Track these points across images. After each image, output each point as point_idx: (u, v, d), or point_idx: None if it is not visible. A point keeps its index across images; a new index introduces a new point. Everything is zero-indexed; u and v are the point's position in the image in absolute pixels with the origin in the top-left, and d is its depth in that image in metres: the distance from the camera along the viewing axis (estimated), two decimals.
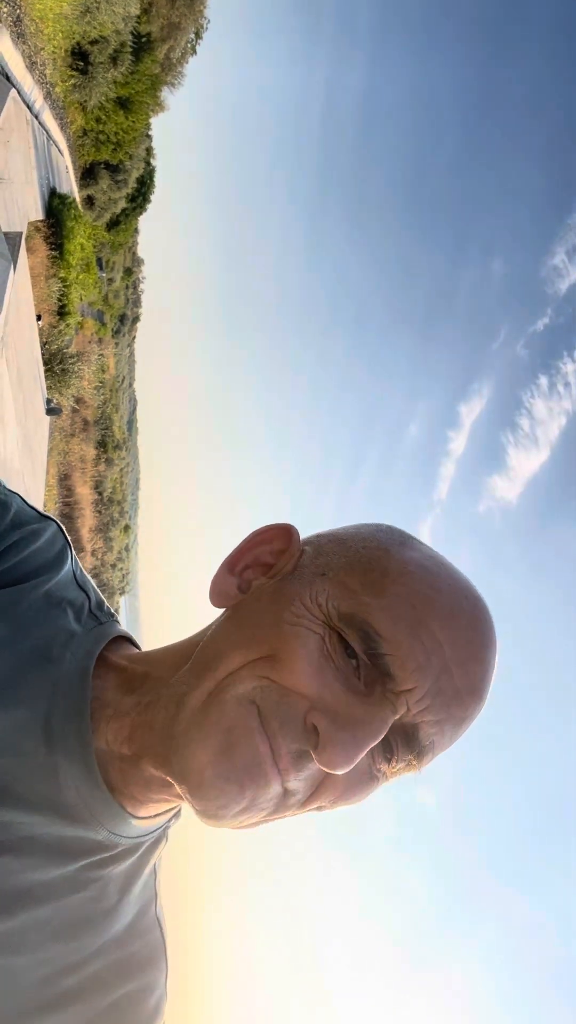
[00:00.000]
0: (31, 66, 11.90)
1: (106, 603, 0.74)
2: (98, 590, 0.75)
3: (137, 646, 0.73)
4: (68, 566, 0.73)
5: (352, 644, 0.58)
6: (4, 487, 0.73)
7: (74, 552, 0.75)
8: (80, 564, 0.76)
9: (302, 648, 0.58)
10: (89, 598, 0.72)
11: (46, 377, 13.58)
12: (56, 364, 14.36)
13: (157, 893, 0.71)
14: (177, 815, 0.72)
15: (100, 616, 0.71)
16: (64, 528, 0.76)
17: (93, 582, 0.76)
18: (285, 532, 0.67)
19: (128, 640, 0.72)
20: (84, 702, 0.63)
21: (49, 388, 14.15)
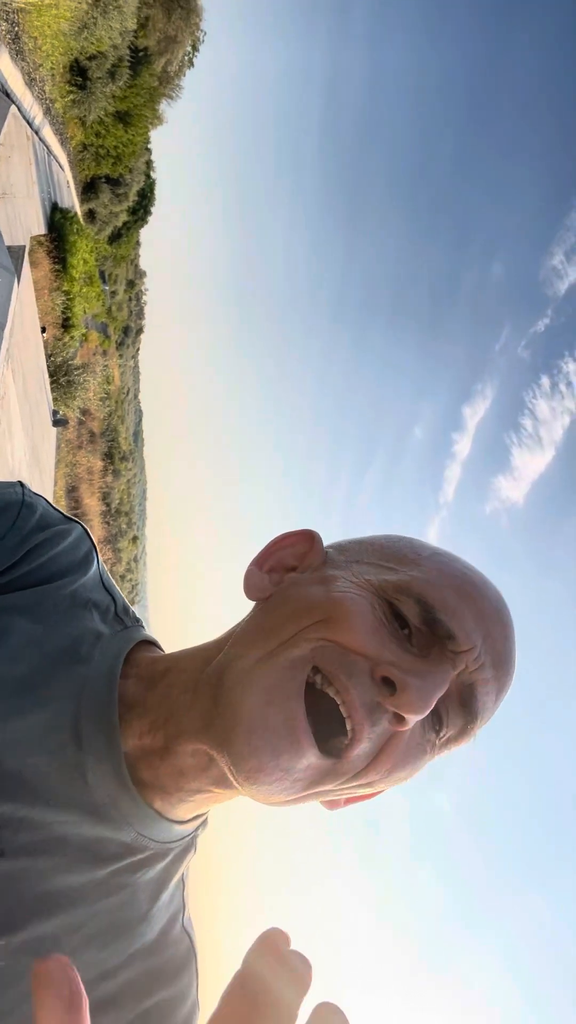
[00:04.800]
0: (30, 82, 12.02)
1: (132, 608, 0.74)
2: (123, 595, 0.75)
3: (162, 650, 0.73)
4: (94, 568, 0.73)
5: (406, 613, 0.60)
6: (30, 490, 0.73)
7: (100, 556, 0.76)
8: (106, 568, 0.76)
9: (356, 610, 0.59)
10: (115, 601, 0.73)
11: (52, 389, 13.67)
12: (61, 376, 14.46)
13: (185, 904, 0.71)
14: (204, 824, 0.71)
15: (126, 620, 0.72)
16: (90, 532, 0.76)
17: (118, 587, 0.76)
18: (307, 536, 0.70)
19: (153, 645, 0.73)
20: (112, 702, 0.63)
21: (55, 400, 14.24)
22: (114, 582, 0.75)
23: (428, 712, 0.56)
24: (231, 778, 0.58)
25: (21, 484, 0.73)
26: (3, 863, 0.57)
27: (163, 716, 0.63)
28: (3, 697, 0.61)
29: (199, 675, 0.63)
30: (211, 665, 0.63)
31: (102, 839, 0.61)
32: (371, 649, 0.58)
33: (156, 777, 0.63)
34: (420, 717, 0.56)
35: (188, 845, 0.70)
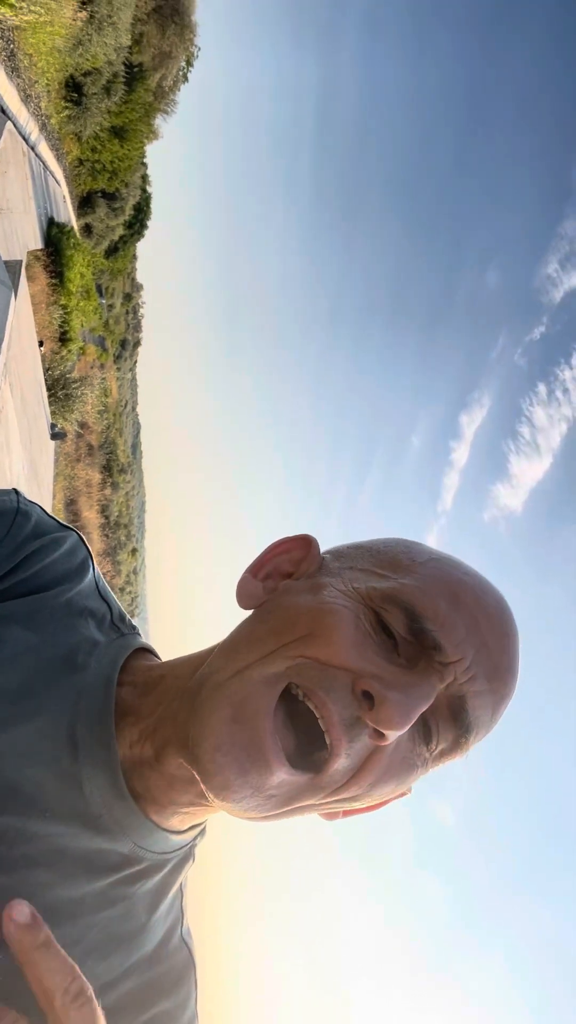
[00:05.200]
0: (26, 99, 12.11)
1: (128, 616, 0.73)
2: (120, 603, 0.75)
3: (159, 658, 0.73)
4: (90, 576, 0.72)
5: (392, 623, 0.58)
6: (25, 498, 0.73)
7: (96, 564, 0.75)
8: (103, 576, 0.76)
9: (339, 622, 0.58)
10: (111, 609, 0.72)
11: (50, 402, 13.69)
12: (59, 389, 14.49)
13: (184, 913, 0.70)
14: (203, 832, 0.70)
15: (122, 628, 0.71)
16: (85, 540, 0.76)
17: (114, 595, 0.76)
18: (304, 542, 0.69)
19: (150, 652, 0.72)
20: (108, 710, 0.62)
21: (53, 413, 14.26)
22: (110, 590, 0.75)
23: (408, 727, 0.54)
24: (205, 793, 0.57)
25: (16, 492, 0.73)
26: None
27: (152, 725, 0.62)
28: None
29: (186, 684, 0.62)
30: (196, 674, 0.62)
31: (99, 851, 0.60)
32: (352, 663, 0.56)
33: (147, 788, 0.62)
34: (400, 732, 0.54)
35: (186, 855, 0.69)
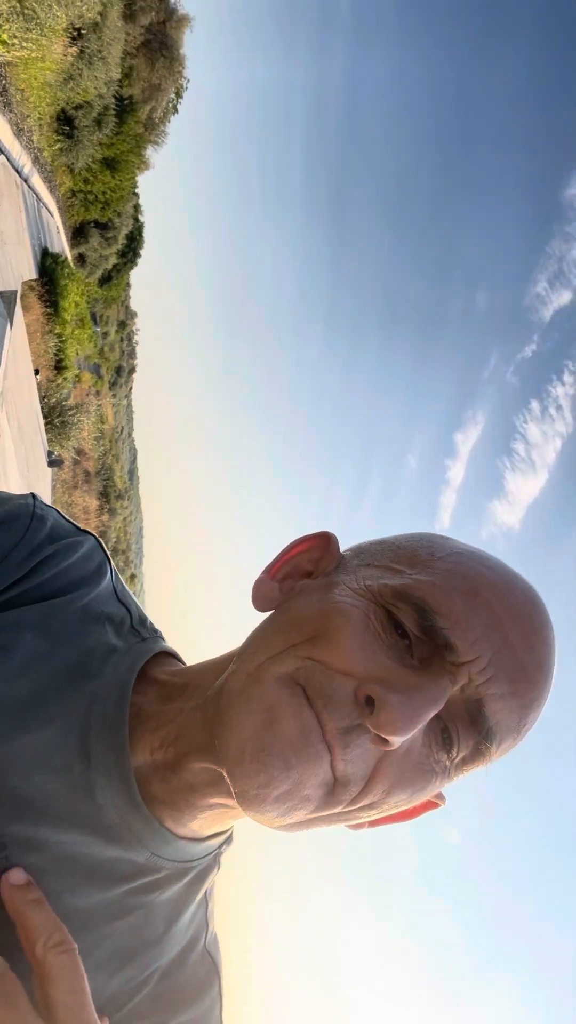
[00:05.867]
0: (18, 133, 12.30)
1: (149, 619, 0.71)
2: (140, 606, 0.73)
3: (183, 662, 0.71)
4: (107, 580, 0.70)
5: (404, 621, 0.55)
6: (41, 502, 0.71)
7: (114, 567, 0.73)
8: (121, 579, 0.73)
9: (347, 624, 0.55)
10: (131, 613, 0.70)
11: (46, 430, 13.72)
12: (56, 417, 14.53)
13: (208, 923, 0.68)
14: (228, 840, 0.68)
15: (143, 632, 0.69)
16: (103, 543, 0.74)
17: (135, 598, 0.73)
18: (323, 539, 0.66)
19: (174, 657, 0.70)
20: (122, 717, 0.60)
21: (50, 440, 14.28)
22: (130, 593, 0.73)
23: (412, 732, 0.51)
24: (236, 798, 0.54)
25: (33, 496, 0.71)
26: None
27: (174, 732, 0.61)
28: (7, 715, 0.59)
29: (208, 691, 0.61)
30: (218, 680, 0.61)
31: (113, 859, 0.59)
32: (357, 667, 0.53)
33: (167, 792, 0.60)
34: (404, 738, 0.51)
35: (210, 863, 0.67)
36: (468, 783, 0.61)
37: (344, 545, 0.68)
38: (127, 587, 0.73)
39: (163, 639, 0.71)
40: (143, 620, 0.71)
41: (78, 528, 0.72)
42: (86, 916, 0.57)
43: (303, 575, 0.66)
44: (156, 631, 0.71)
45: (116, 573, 0.73)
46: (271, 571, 0.66)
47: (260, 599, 0.64)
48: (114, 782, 0.59)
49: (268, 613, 0.64)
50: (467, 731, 0.55)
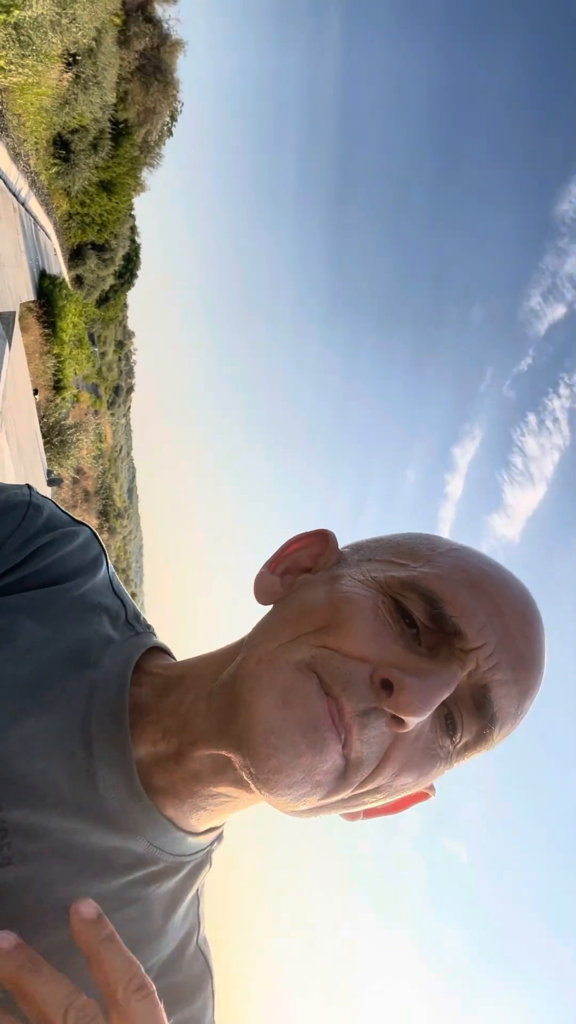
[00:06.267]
0: (15, 157, 12.45)
1: (142, 615, 0.72)
2: (134, 602, 0.74)
3: (173, 658, 0.72)
4: (104, 572, 0.72)
5: (413, 609, 0.57)
6: (37, 492, 0.72)
7: (109, 560, 0.74)
8: (116, 573, 0.75)
9: (358, 613, 0.57)
10: (126, 607, 0.71)
11: (45, 449, 13.77)
12: (55, 436, 14.58)
13: (200, 921, 0.68)
14: (220, 838, 0.69)
15: (137, 626, 0.70)
16: (99, 535, 0.75)
17: (128, 593, 0.74)
18: (322, 536, 0.68)
19: (165, 652, 0.71)
20: (122, 708, 0.61)
21: (49, 460, 14.33)
22: (123, 587, 0.74)
23: (428, 713, 0.53)
24: (250, 781, 0.55)
25: (28, 486, 0.72)
26: (10, 871, 0.55)
27: (177, 723, 0.61)
28: (9, 700, 0.59)
29: (213, 681, 0.62)
30: (226, 671, 0.61)
31: (114, 849, 0.59)
32: (371, 653, 0.55)
33: (171, 782, 0.61)
34: (420, 719, 0.53)
35: (203, 860, 0.67)
36: (474, 797, 0.63)
37: (339, 545, 0.69)
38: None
39: (155, 634, 0.72)
40: (137, 615, 0.72)
41: (74, 519, 0.73)
42: None
43: (302, 571, 0.67)
44: (149, 626, 0.72)
45: (111, 566, 0.74)
46: (272, 565, 0.67)
47: (262, 592, 0.65)
48: (115, 771, 0.60)
49: (268, 608, 0.65)
50: (471, 716, 0.57)
